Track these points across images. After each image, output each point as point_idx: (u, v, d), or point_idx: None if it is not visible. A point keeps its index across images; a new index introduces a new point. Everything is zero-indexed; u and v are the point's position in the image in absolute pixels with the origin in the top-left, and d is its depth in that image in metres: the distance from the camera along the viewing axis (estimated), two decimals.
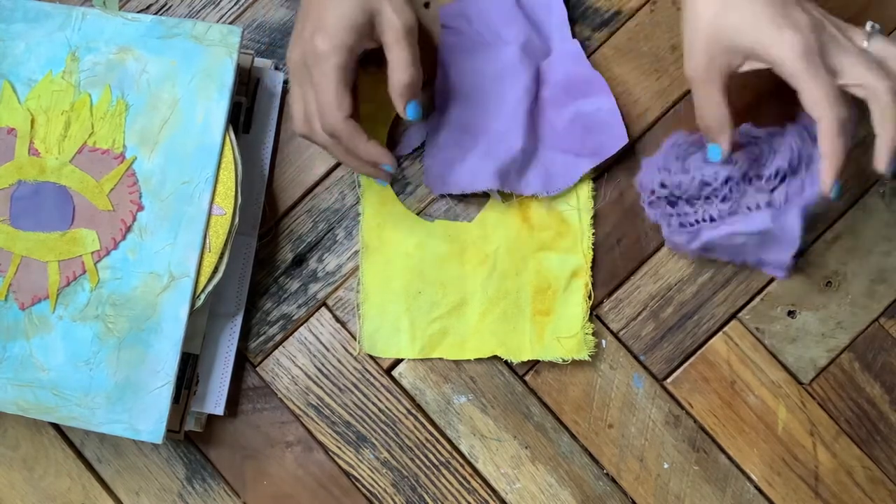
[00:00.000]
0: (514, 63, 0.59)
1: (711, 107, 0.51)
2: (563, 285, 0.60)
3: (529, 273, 0.60)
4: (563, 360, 0.59)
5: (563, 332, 0.60)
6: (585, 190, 0.60)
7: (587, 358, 0.59)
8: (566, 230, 0.60)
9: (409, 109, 0.53)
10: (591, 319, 0.60)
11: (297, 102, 0.55)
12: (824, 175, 0.48)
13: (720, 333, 0.61)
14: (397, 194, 0.62)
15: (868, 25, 0.50)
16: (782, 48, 0.47)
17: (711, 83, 0.50)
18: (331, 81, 0.51)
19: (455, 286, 0.60)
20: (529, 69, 0.59)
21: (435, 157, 0.60)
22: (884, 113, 0.47)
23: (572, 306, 0.60)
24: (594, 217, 0.61)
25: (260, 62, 0.62)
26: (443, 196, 0.62)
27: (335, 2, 0.51)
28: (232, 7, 0.64)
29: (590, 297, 0.60)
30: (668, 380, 0.61)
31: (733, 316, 0.61)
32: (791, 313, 0.61)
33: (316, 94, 0.52)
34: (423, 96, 0.58)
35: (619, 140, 0.58)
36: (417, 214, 0.61)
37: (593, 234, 0.60)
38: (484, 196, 0.61)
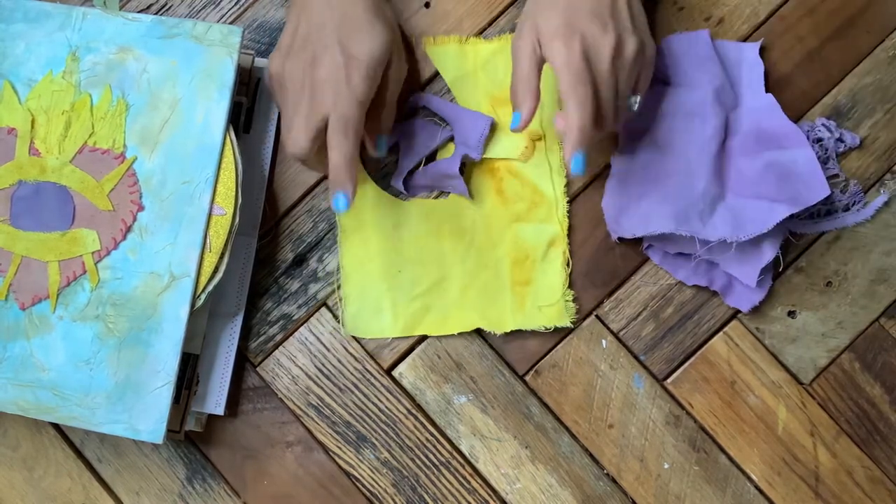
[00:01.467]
0: (705, 107, 0.59)
1: (522, 80, 0.54)
2: (540, 255, 0.60)
3: (506, 245, 0.60)
4: (546, 329, 0.60)
5: (543, 301, 0.60)
6: (557, 159, 0.61)
7: (570, 325, 0.60)
8: (540, 200, 0.61)
9: (380, 144, 0.59)
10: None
11: (305, 119, 0.53)
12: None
13: (720, 333, 0.61)
14: (376, 175, 0.62)
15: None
16: (560, 53, 0.52)
17: (528, 59, 0.54)
18: (355, 121, 0.52)
19: (434, 263, 0.61)
20: (719, 116, 0.59)
21: (613, 200, 0.60)
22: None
23: (551, 275, 0.60)
24: (567, 185, 0.61)
25: (260, 62, 0.62)
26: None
27: (366, 35, 0.53)
28: (232, 7, 0.64)
29: (568, 265, 0.60)
30: (669, 380, 0.61)
31: (733, 316, 0.61)
32: (791, 313, 0.61)
33: (337, 109, 0.52)
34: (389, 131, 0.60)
35: (821, 191, 0.57)
36: (397, 195, 0.61)
37: (568, 201, 0.61)
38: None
